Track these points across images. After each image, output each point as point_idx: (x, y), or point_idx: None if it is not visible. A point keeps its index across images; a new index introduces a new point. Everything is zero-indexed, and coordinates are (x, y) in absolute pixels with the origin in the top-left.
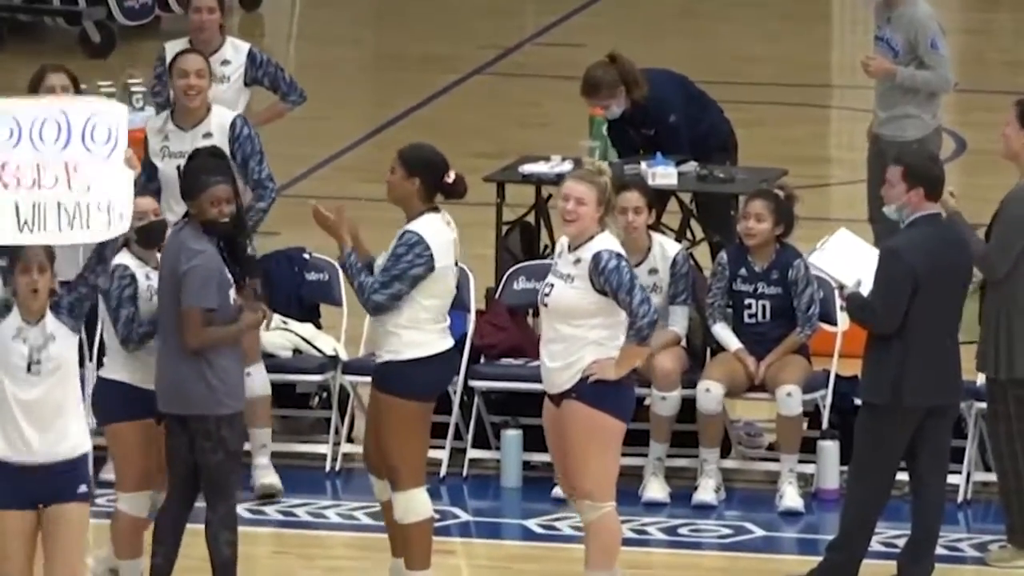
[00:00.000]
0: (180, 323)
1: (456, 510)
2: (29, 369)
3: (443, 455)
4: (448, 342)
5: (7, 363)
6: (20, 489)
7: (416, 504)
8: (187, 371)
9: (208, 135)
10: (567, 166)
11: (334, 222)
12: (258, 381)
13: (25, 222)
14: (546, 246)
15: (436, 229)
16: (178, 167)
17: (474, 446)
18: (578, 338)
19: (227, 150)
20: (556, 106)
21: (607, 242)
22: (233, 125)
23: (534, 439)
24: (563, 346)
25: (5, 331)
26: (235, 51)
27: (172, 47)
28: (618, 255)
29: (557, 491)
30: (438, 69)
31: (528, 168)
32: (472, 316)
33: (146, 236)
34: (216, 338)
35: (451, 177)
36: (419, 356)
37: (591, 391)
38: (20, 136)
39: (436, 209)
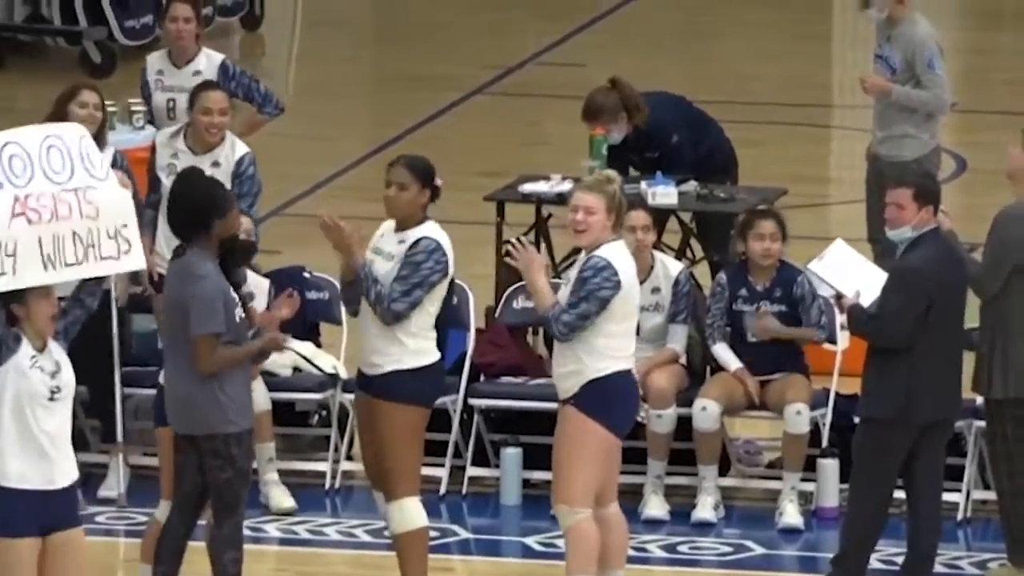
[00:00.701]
0: (191, 348)
1: (456, 527)
2: (51, 397)
3: (443, 473)
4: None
5: (32, 393)
6: (36, 516)
7: (411, 514)
8: (196, 391)
9: (217, 164)
10: (567, 185)
11: (348, 235)
12: (260, 397)
13: (48, 256)
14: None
15: (445, 236)
16: None
17: (474, 464)
18: (579, 344)
19: (228, 183)
20: (556, 125)
21: (610, 250)
22: (241, 161)
23: (534, 457)
24: (567, 352)
25: (22, 362)
26: (208, 62)
27: (153, 60)
28: (606, 266)
29: None
30: (439, 88)
31: (528, 187)
32: (472, 334)
33: (237, 254)
34: (228, 360)
35: (440, 181)
36: (423, 364)
37: (590, 401)
38: (33, 168)
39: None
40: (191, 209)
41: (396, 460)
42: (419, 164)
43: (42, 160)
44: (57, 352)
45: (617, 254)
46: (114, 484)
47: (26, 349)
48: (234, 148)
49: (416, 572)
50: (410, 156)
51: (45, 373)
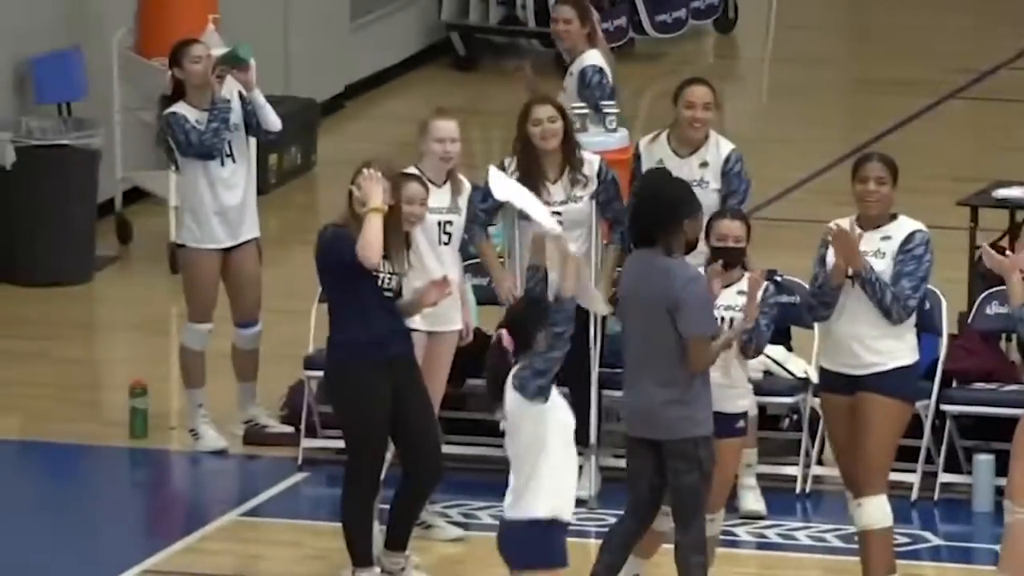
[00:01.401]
0: (670, 349)
1: (927, 534)
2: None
3: (915, 479)
4: None
5: (568, 424)
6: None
7: (887, 510)
8: (665, 397)
9: (705, 164)
10: None
11: (855, 240)
12: (746, 403)
13: None
14: None
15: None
16: None
17: (946, 470)
18: None
19: (716, 182)
20: None
21: None
22: (728, 158)
23: (1007, 464)
24: None
25: (558, 395)
26: (578, 67)
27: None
28: None
29: None
30: (912, 92)
31: (1003, 192)
32: (944, 340)
33: (724, 258)
34: (713, 359)
35: None
36: (916, 360)
37: None
38: None
39: None
40: (662, 208)
41: (882, 457)
42: (891, 160)
43: None
44: None
45: None
46: (586, 485)
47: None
48: (719, 145)
49: (882, 570)
50: (880, 152)
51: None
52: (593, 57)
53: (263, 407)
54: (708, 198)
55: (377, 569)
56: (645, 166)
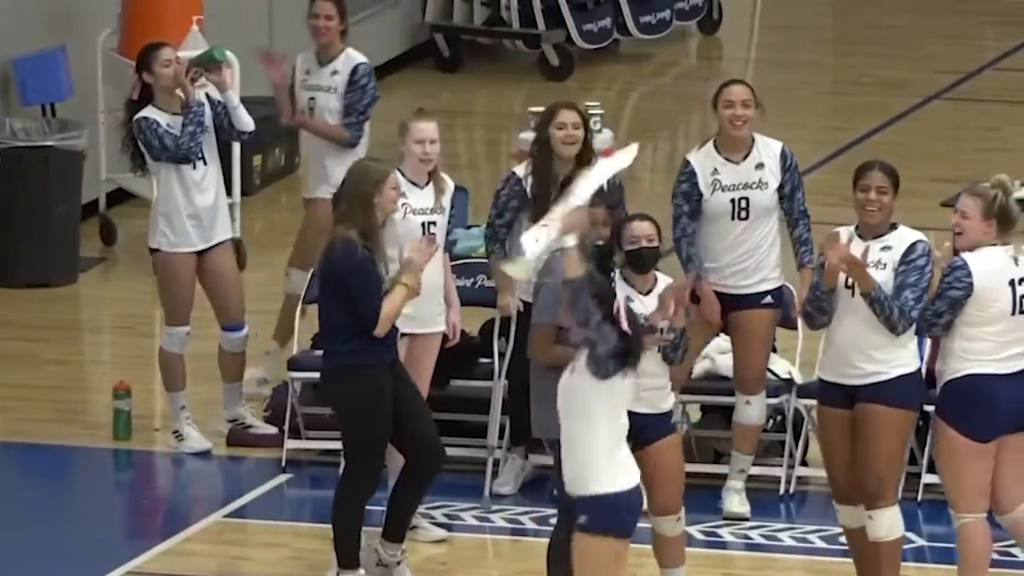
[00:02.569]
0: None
1: (910, 535)
2: None
3: None
4: None
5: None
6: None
7: (899, 521)
8: (534, 395)
9: (760, 166)
10: None
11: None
12: (755, 412)
13: None
14: None
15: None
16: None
17: (929, 471)
18: (942, 345)
19: (780, 177)
20: (1015, 131)
21: (977, 254)
22: (783, 154)
23: None
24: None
25: None
26: (347, 63)
27: (301, 58)
28: (960, 267)
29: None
30: (896, 94)
31: None
32: (928, 341)
33: (638, 261)
34: (562, 358)
35: None
36: (918, 366)
37: (944, 403)
38: None
39: None
40: None
41: (892, 468)
42: (893, 169)
43: None
44: None
45: (980, 257)
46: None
47: None
48: (768, 144)
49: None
50: (881, 161)
51: None
52: (361, 56)
53: (248, 407)
54: (768, 200)
55: (362, 571)
56: (700, 177)
